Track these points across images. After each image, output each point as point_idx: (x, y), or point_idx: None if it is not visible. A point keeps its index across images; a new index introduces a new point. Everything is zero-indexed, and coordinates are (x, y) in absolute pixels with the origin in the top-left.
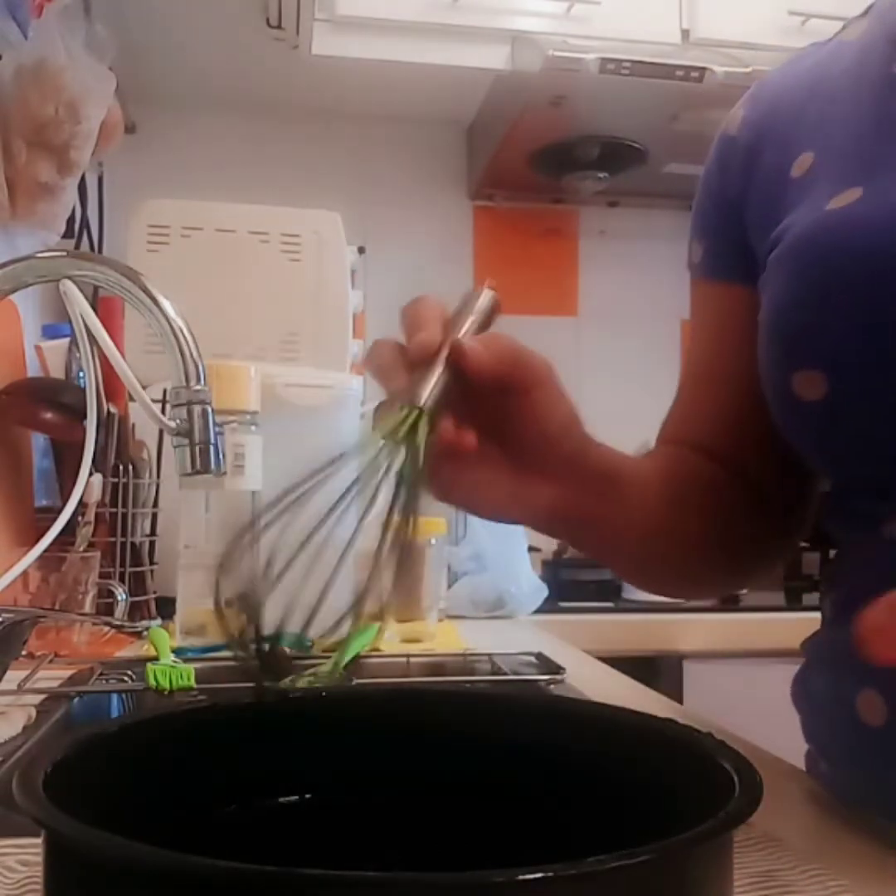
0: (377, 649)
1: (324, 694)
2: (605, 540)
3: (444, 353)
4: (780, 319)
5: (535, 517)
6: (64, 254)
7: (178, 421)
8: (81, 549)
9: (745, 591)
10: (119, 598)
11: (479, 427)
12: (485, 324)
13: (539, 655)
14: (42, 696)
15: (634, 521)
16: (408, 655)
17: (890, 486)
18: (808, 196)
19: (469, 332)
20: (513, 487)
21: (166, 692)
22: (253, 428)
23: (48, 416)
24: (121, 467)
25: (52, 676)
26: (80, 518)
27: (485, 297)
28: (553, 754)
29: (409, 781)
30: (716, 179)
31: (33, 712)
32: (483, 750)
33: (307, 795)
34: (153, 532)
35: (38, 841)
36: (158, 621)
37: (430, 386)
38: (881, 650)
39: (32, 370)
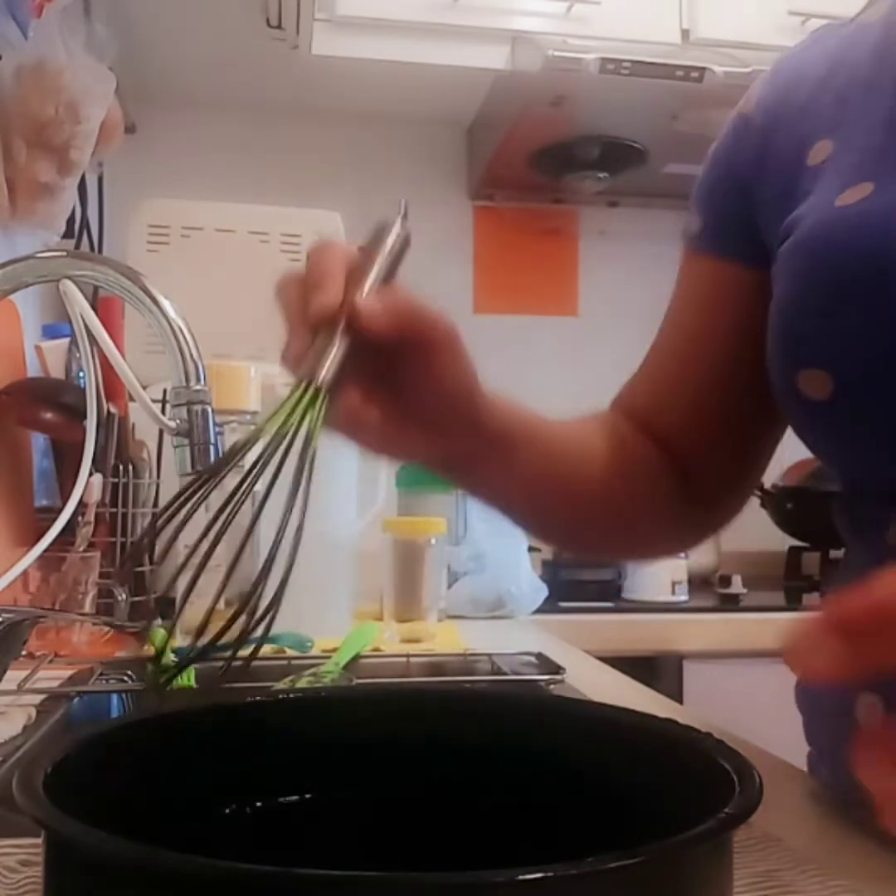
0: (377, 649)
1: (324, 694)
2: (496, 496)
3: (343, 316)
4: (787, 318)
5: (422, 463)
6: (64, 254)
7: (178, 421)
8: (81, 549)
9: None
10: (119, 598)
11: (375, 384)
12: (394, 266)
13: (539, 655)
14: (42, 696)
15: (534, 481)
16: (408, 655)
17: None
18: (821, 186)
19: (376, 281)
20: (401, 434)
21: (166, 692)
22: (253, 428)
23: (48, 416)
24: (121, 467)
25: (52, 676)
26: (80, 518)
27: (393, 237)
28: (553, 754)
29: (409, 781)
30: (726, 157)
31: (33, 712)
32: (483, 750)
33: (307, 795)
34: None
35: (38, 841)
36: (158, 621)
37: (328, 360)
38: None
39: (32, 370)
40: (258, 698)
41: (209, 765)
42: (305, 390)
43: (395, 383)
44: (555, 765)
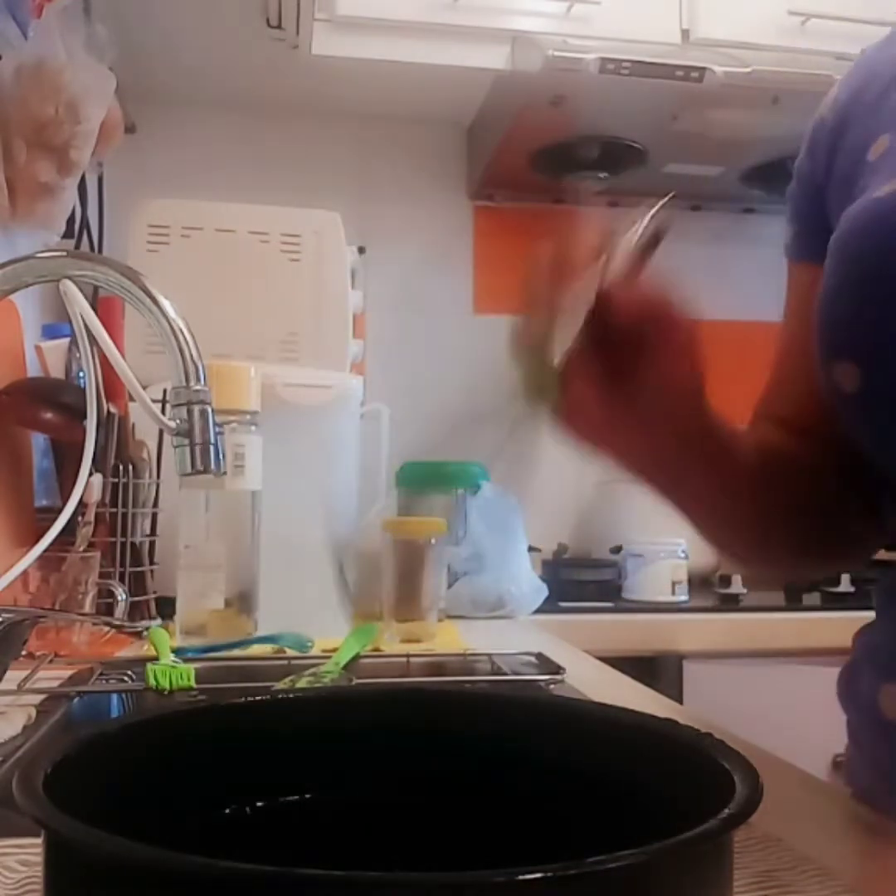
0: (377, 649)
1: (324, 694)
2: (686, 501)
3: (590, 301)
4: (823, 310)
5: (622, 460)
6: (64, 254)
7: (178, 421)
8: (81, 549)
9: (828, 574)
10: (119, 598)
11: (607, 362)
12: (644, 256)
13: (539, 655)
14: (42, 696)
15: (729, 489)
16: (408, 655)
17: None
18: (873, 181)
19: (623, 266)
20: (612, 428)
21: (166, 692)
22: (253, 428)
23: (48, 416)
24: (121, 467)
25: (52, 676)
26: (80, 518)
27: (643, 226)
28: (553, 754)
29: (409, 781)
30: (806, 164)
31: (33, 712)
32: (483, 750)
33: (307, 795)
34: (153, 532)
35: (38, 841)
36: (158, 621)
37: (564, 340)
38: None
39: (32, 370)
40: (258, 698)
41: (209, 765)
42: (539, 370)
43: (622, 374)
44: (555, 765)
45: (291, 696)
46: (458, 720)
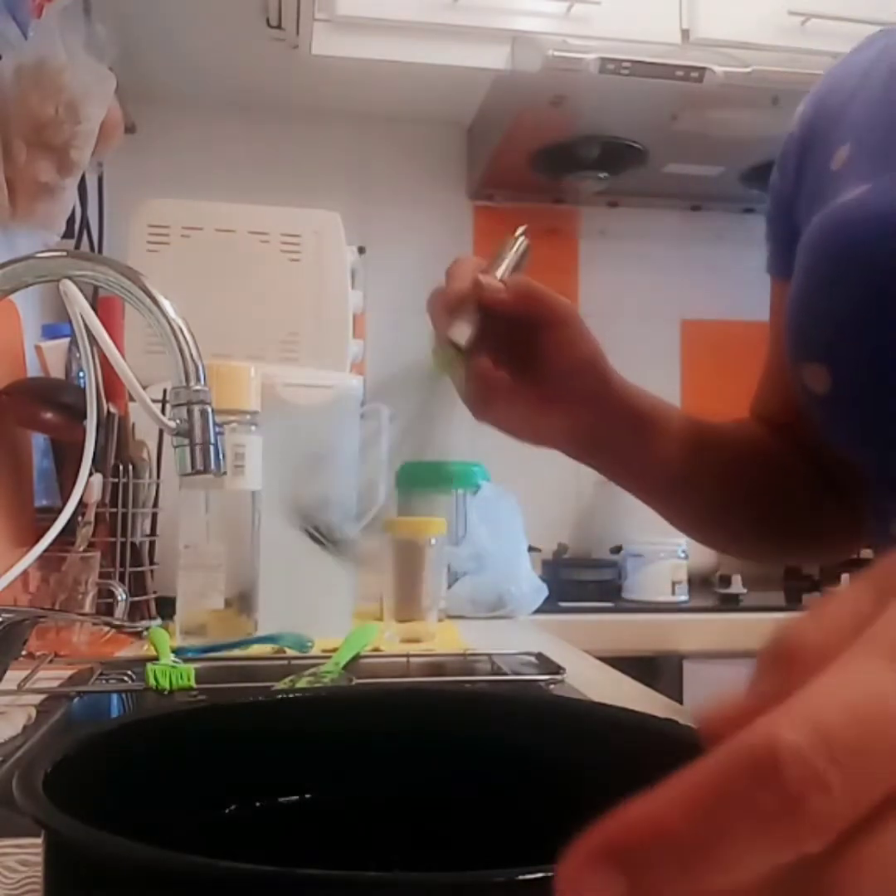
0: (377, 649)
1: (324, 694)
2: (632, 473)
3: (474, 296)
4: (792, 313)
5: (555, 442)
6: (64, 254)
7: (178, 421)
8: (81, 549)
9: (798, 562)
10: (119, 598)
11: (511, 360)
12: (517, 267)
13: (539, 655)
14: (42, 696)
15: (667, 462)
16: (408, 655)
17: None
18: (837, 190)
19: (501, 273)
20: (535, 414)
21: (166, 692)
22: (253, 428)
23: (48, 416)
24: (121, 467)
25: (52, 676)
26: (80, 518)
27: (516, 244)
28: (553, 754)
29: (409, 781)
30: (777, 180)
31: (33, 712)
32: (483, 750)
33: (307, 795)
34: (153, 532)
35: (38, 841)
36: (158, 621)
37: (463, 325)
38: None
39: (32, 370)
40: (258, 698)
41: (209, 764)
42: (445, 351)
43: (525, 361)
44: (555, 765)
45: (291, 696)
46: (458, 720)
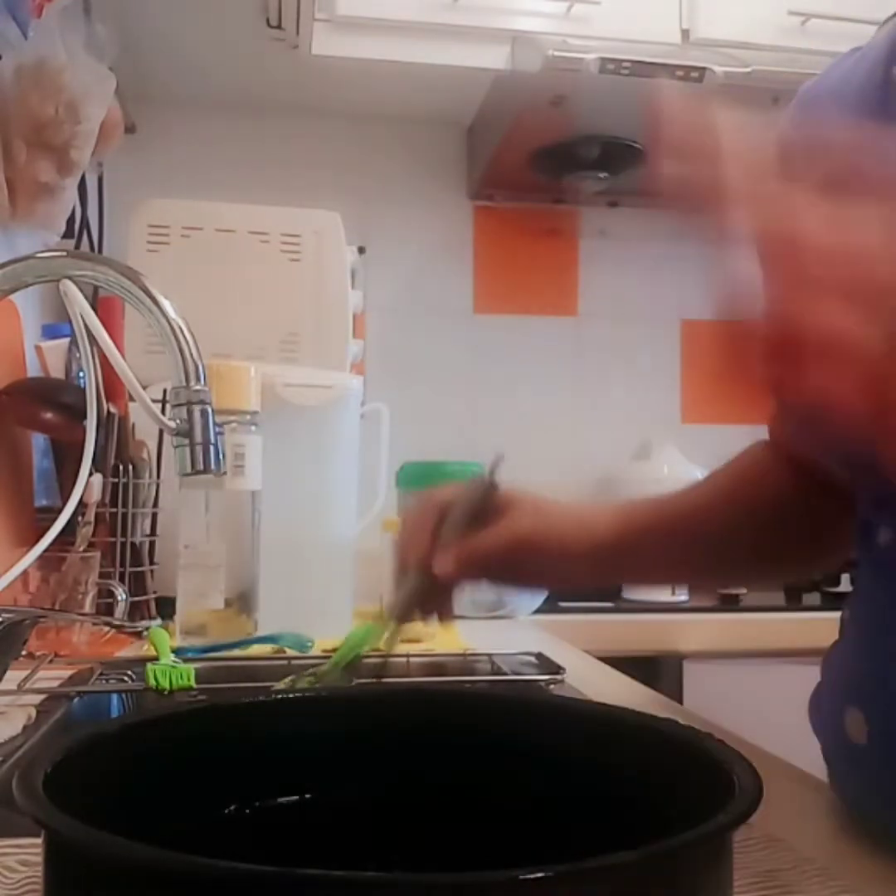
0: (377, 649)
1: (324, 694)
2: (660, 575)
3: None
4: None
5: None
6: (64, 254)
7: (178, 421)
8: (81, 549)
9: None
10: (119, 598)
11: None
12: (478, 510)
13: (539, 655)
14: (42, 696)
15: (660, 560)
16: (408, 655)
17: (881, 495)
18: None
19: (455, 529)
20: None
21: (166, 692)
22: (253, 428)
23: (48, 416)
24: (121, 467)
25: (52, 676)
26: (80, 518)
27: (473, 489)
28: (553, 754)
29: (409, 781)
30: None
31: (33, 712)
32: (482, 750)
33: (307, 795)
34: (153, 532)
35: (38, 841)
36: (158, 621)
37: (400, 600)
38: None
39: (32, 370)
40: (259, 698)
41: (209, 764)
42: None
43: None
44: (554, 765)
45: (291, 696)
46: (458, 720)
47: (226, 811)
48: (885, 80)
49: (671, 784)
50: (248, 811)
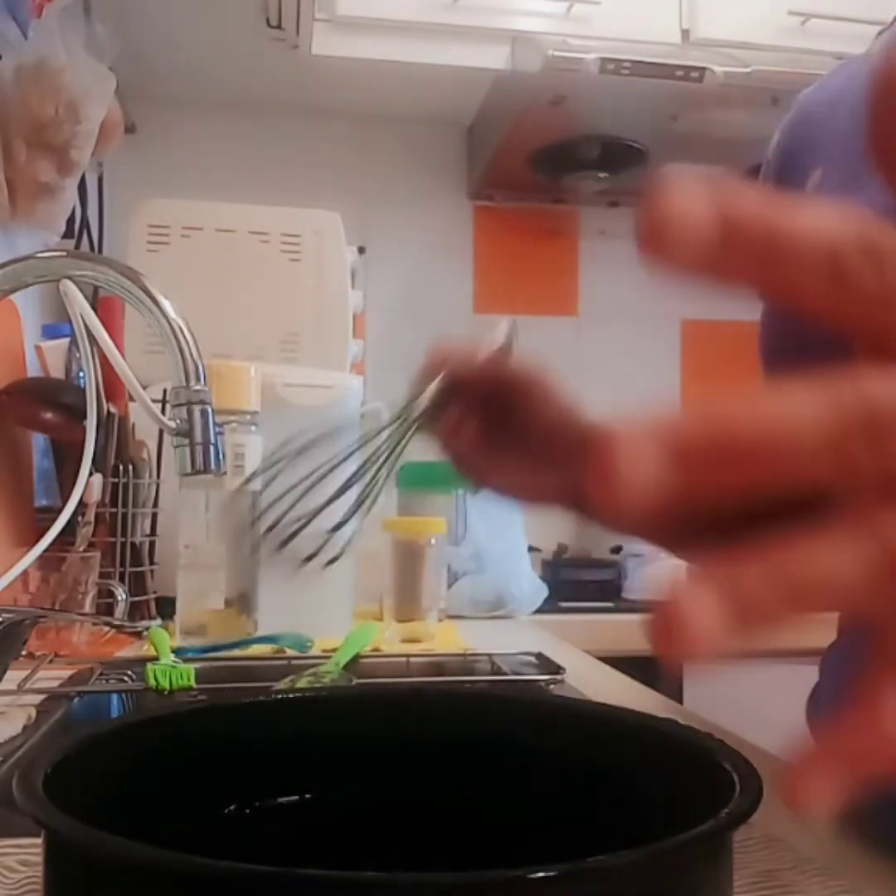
0: (377, 649)
1: (324, 694)
2: None
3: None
4: (764, 353)
5: (552, 499)
6: (64, 254)
7: (178, 421)
8: (81, 549)
9: None
10: (119, 598)
11: (493, 429)
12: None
13: (539, 655)
14: (42, 696)
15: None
16: (408, 655)
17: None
18: None
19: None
20: (527, 473)
21: (166, 692)
22: (253, 428)
23: (48, 416)
24: (121, 467)
25: (52, 676)
26: (80, 518)
27: (501, 330)
28: (553, 754)
29: (409, 781)
30: None
31: (33, 712)
32: (482, 750)
33: (307, 795)
34: (153, 532)
35: (38, 841)
36: (158, 621)
37: (424, 397)
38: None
39: (32, 370)
40: (259, 698)
41: (209, 764)
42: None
43: (511, 434)
44: (555, 765)
45: (291, 696)
46: (457, 720)
47: (226, 811)
48: None
49: (671, 784)
50: (248, 811)
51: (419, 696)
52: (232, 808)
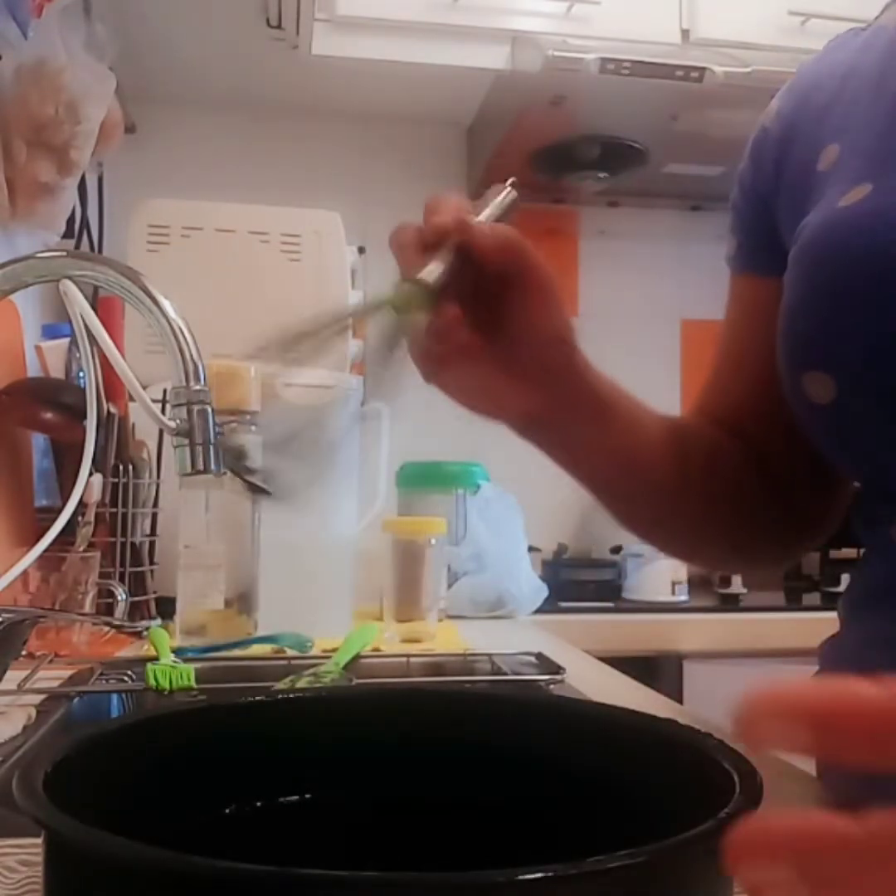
0: (377, 649)
1: (324, 694)
2: (580, 461)
3: (456, 236)
4: (791, 320)
5: (508, 418)
6: (64, 254)
7: (178, 421)
8: (81, 549)
9: (740, 574)
10: (119, 598)
11: (476, 318)
12: (502, 218)
13: (539, 655)
14: (42, 696)
15: (619, 453)
16: (408, 655)
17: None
18: (828, 190)
19: (488, 218)
20: (492, 384)
21: (166, 692)
22: (253, 428)
23: (48, 416)
24: (121, 467)
25: (52, 676)
26: (80, 518)
27: (504, 193)
28: (553, 754)
29: (409, 781)
30: (749, 175)
31: (33, 712)
32: (482, 749)
33: (307, 795)
34: (153, 532)
35: (38, 841)
36: (158, 621)
37: (436, 265)
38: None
39: (32, 370)
40: (259, 698)
41: (209, 764)
42: (408, 289)
43: (493, 332)
44: (555, 765)
45: (291, 696)
46: (457, 720)
47: (226, 811)
48: None
49: (671, 784)
50: (248, 811)
51: (419, 696)
52: (232, 808)
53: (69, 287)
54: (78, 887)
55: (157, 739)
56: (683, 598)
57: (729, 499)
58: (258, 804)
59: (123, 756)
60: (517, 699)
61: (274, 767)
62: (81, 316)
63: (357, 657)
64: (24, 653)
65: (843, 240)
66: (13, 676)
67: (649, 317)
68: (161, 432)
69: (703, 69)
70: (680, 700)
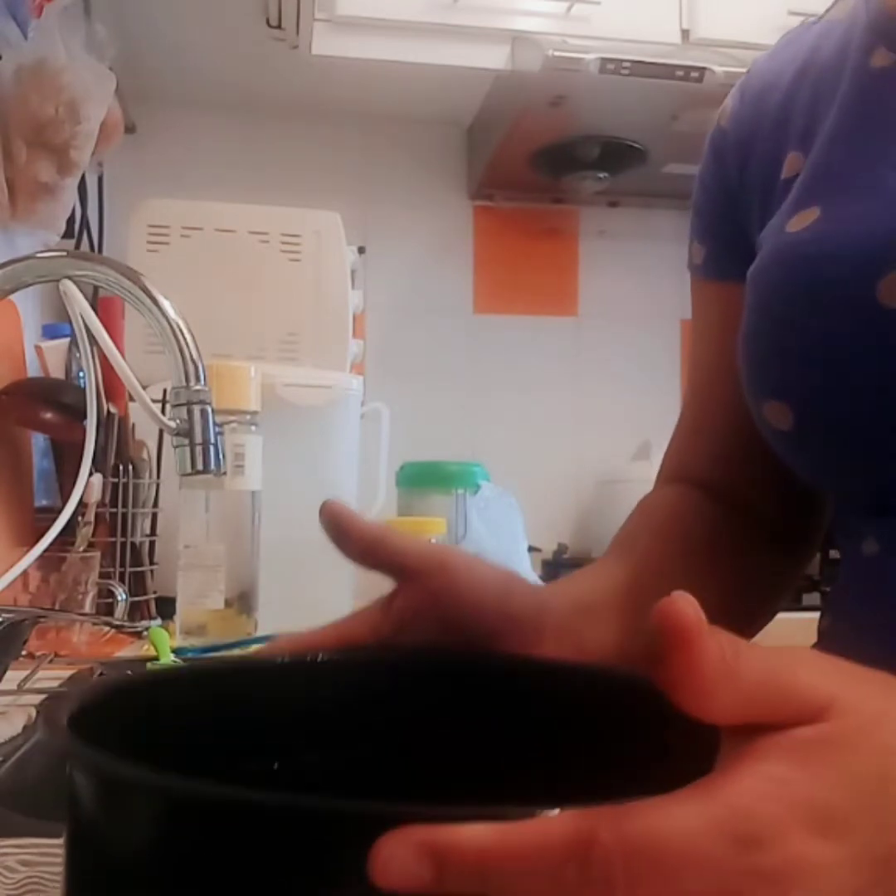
0: None
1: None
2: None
3: None
4: (747, 348)
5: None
6: (64, 254)
7: (178, 421)
8: (81, 549)
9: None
10: (119, 598)
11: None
12: None
13: None
14: (42, 696)
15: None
16: None
17: (869, 506)
18: (785, 207)
19: None
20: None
21: None
22: (253, 428)
23: (48, 416)
24: (121, 467)
25: (52, 676)
26: (80, 518)
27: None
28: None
29: (402, 743)
30: (712, 176)
31: (33, 712)
32: (476, 711)
33: (328, 753)
34: (153, 532)
35: (39, 841)
36: (158, 621)
37: None
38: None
39: (32, 370)
40: (289, 660)
41: (235, 724)
42: None
43: (446, 620)
44: (544, 726)
45: (324, 660)
46: (451, 683)
47: (249, 768)
48: (861, 67)
49: (666, 741)
50: (275, 768)
51: (430, 658)
52: (253, 766)
53: (69, 287)
54: (138, 826)
55: (184, 694)
56: None
57: (737, 571)
58: (276, 766)
59: (148, 706)
60: (511, 659)
61: (284, 730)
62: (81, 316)
63: None
64: (24, 653)
65: (789, 269)
66: (13, 676)
67: (649, 317)
68: (161, 432)
69: (703, 69)
70: None
